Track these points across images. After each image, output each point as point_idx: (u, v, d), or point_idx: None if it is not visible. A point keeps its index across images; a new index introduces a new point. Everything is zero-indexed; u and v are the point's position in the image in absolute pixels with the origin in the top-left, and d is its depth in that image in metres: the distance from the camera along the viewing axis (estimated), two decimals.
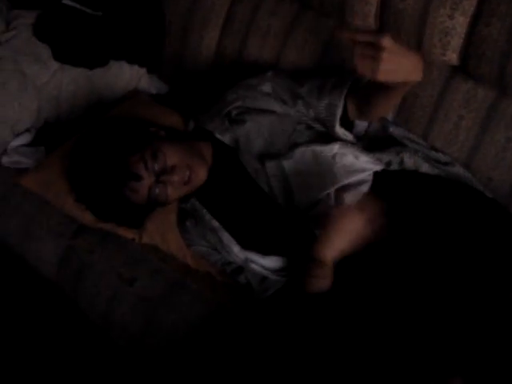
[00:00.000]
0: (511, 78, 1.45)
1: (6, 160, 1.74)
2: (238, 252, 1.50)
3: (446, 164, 1.54)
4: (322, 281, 1.29)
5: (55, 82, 1.75)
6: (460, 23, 1.46)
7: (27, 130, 1.76)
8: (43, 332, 1.83)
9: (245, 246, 1.50)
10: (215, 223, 1.52)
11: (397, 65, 1.20)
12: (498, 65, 1.45)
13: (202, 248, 1.57)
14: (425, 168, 1.49)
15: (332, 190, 1.40)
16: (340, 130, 1.47)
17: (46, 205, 1.65)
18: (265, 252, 1.48)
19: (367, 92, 1.40)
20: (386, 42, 1.15)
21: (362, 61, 1.19)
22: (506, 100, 1.50)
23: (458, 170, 1.53)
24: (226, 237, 1.51)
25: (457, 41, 1.49)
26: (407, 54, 1.21)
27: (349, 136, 1.49)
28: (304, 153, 1.45)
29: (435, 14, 1.47)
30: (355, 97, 1.46)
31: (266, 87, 1.58)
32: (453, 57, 1.52)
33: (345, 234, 1.27)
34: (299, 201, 1.42)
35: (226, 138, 1.53)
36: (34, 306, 1.83)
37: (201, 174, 1.51)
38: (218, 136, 1.54)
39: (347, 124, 1.49)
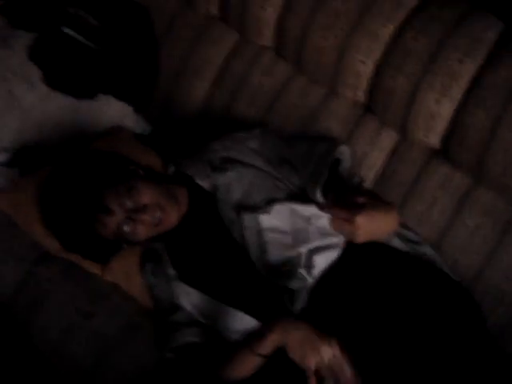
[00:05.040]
0: (488, 169, 1.51)
1: None
2: (186, 305, 1.49)
3: (415, 243, 1.57)
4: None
5: (42, 107, 1.74)
6: (446, 109, 1.52)
7: (4, 150, 1.74)
8: None
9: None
10: (171, 271, 1.51)
11: (374, 230, 1.39)
12: (478, 154, 1.51)
13: (158, 292, 1.55)
14: (396, 243, 1.51)
15: (304, 250, 1.42)
16: (320, 197, 1.49)
17: (13, 227, 1.62)
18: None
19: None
20: (360, 221, 1.35)
21: (339, 225, 1.41)
22: (480, 188, 1.56)
23: (426, 250, 1.55)
24: (181, 288, 1.49)
25: (441, 125, 1.55)
26: (382, 218, 1.40)
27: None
28: (281, 209, 1.46)
29: (424, 96, 1.53)
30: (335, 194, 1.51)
31: (254, 143, 1.60)
32: (435, 140, 1.58)
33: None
34: (271, 256, 1.43)
35: (205, 184, 1.54)
36: None
37: (172, 218, 1.50)
38: (198, 181, 1.54)
39: (327, 192, 1.52)
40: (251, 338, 1.31)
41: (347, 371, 1.21)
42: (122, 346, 1.49)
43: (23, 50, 1.74)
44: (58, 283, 1.57)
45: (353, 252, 1.44)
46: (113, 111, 1.84)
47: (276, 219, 1.46)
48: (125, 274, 1.57)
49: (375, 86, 1.62)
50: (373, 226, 1.38)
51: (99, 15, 1.84)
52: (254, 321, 1.39)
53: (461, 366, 1.32)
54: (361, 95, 1.66)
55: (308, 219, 1.46)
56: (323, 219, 1.45)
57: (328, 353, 1.21)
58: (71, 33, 1.74)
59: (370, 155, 1.66)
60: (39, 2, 1.88)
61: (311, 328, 1.26)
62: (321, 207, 1.44)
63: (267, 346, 1.27)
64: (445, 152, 1.58)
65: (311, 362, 1.21)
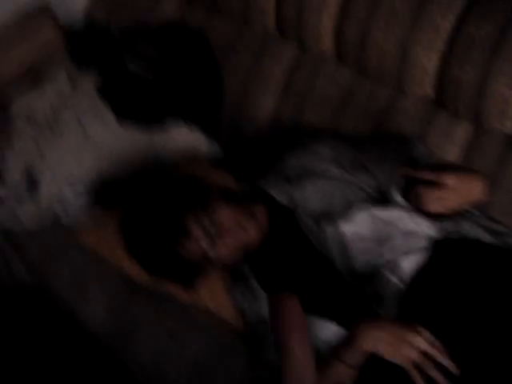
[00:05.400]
0: None
1: (65, 220, 1.77)
2: None
3: (505, 235, 1.52)
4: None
5: (116, 143, 1.79)
6: None
7: (86, 189, 1.79)
8: None
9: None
10: (261, 292, 1.51)
11: (462, 197, 1.32)
12: None
13: (251, 314, 1.56)
14: (485, 237, 1.47)
15: (390, 254, 1.39)
16: (400, 200, 1.47)
17: (100, 262, 1.66)
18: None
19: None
20: (450, 181, 1.28)
21: (428, 194, 1.32)
22: None
23: None
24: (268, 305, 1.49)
25: None
26: (470, 184, 1.33)
27: (408, 205, 1.49)
28: (362, 215, 1.44)
29: (494, 82, 1.49)
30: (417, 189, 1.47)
31: (325, 151, 1.59)
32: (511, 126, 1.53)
33: None
34: (357, 266, 1.41)
35: (283, 199, 1.54)
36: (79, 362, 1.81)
37: (254, 236, 1.50)
38: (276, 196, 1.54)
39: (407, 193, 1.50)
40: (339, 348, 1.31)
41: (444, 354, 1.18)
42: (219, 370, 1.50)
43: (92, 89, 1.80)
44: (149, 313, 1.61)
45: (441, 252, 1.40)
46: (184, 139, 1.87)
47: (358, 225, 1.44)
48: (213, 297, 1.58)
49: (443, 79, 1.59)
50: (462, 188, 1.32)
51: (160, 47, 1.88)
52: (343, 330, 1.38)
53: None
54: (429, 90, 1.63)
55: (390, 222, 1.43)
56: (408, 222, 1.42)
57: (420, 341, 1.19)
58: (135, 69, 1.78)
59: (445, 149, 1.63)
60: (101, 39, 1.95)
61: (393, 322, 1.24)
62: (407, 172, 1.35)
63: (356, 355, 1.26)
64: None
65: (409, 358, 1.19)
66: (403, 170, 1.36)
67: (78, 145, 1.77)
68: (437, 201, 1.33)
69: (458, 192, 1.31)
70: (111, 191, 1.81)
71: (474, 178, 1.36)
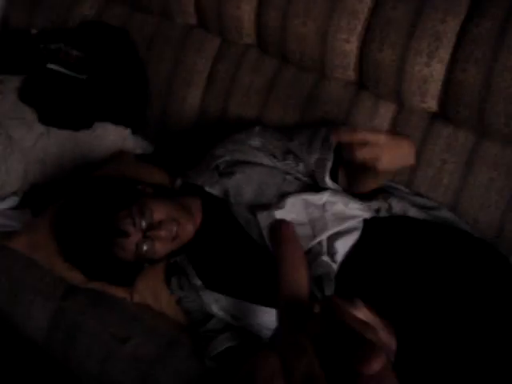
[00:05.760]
0: (489, 121, 1.50)
1: None
2: (217, 311, 1.49)
3: (431, 209, 1.56)
4: None
5: (41, 144, 1.76)
6: (437, 70, 1.51)
7: (14, 193, 1.75)
8: None
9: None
10: (197, 281, 1.51)
11: (394, 156, 1.33)
12: (477, 109, 1.50)
13: (188, 304, 1.56)
14: (412, 212, 1.51)
15: (324, 238, 1.41)
16: (329, 182, 1.49)
17: (35, 267, 1.63)
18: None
19: (355, 171, 1.45)
20: (384, 140, 1.29)
21: (361, 153, 1.30)
22: (485, 142, 1.55)
23: (444, 213, 1.55)
24: (209, 295, 1.50)
25: (435, 88, 1.54)
26: (401, 144, 1.36)
27: (337, 186, 1.51)
28: (294, 202, 1.46)
29: (412, 62, 1.52)
30: (344, 169, 1.49)
31: (255, 142, 1.60)
32: (432, 103, 1.57)
33: None
34: None
35: (215, 191, 1.54)
36: (22, 371, 1.77)
37: (189, 229, 1.50)
38: (208, 189, 1.55)
39: (335, 175, 1.52)
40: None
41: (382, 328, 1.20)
42: (163, 365, 1.49)
43: (14, 93, 1.76)
44: (88, 314, 1.58)
45: (372, 230, 1.44)
46: (111, 137, 1.85)
47: (291, 212, 1.45)
48: (152, 293, 1.57)
49: (363, 62, 1.61)
50: (396, 150, 1.34)
51: (82, 46, 1.86)
52: None
53: (502, 324, 1.31)
54: (351, 74, 1.66)
55: (323, 207, 1.45)
56: (338, 204, 1.45)
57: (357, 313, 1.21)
58: (56, 68, 1.75)
59: None
60: (21, 44, 1.90)
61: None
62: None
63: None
64: (444, 114, 1.57)
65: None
66: (337, 134, 1.32)
67: (4, 150, 1.73)
68: (370, 160, 1.32)
69: (390, 151, 1.32)
70: (41, 195, 1.78)
71: (403, 139, 1.39)
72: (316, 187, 1.50)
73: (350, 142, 1.28)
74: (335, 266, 1.39)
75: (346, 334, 0.47)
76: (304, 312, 0.53)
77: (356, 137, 1.28)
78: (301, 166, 1.54)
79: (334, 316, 0.53)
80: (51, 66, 1.74)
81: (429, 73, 1.52)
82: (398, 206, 1.51)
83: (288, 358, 0.47)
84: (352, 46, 1.61)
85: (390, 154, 1.32)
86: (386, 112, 1.64)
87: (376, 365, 0.42)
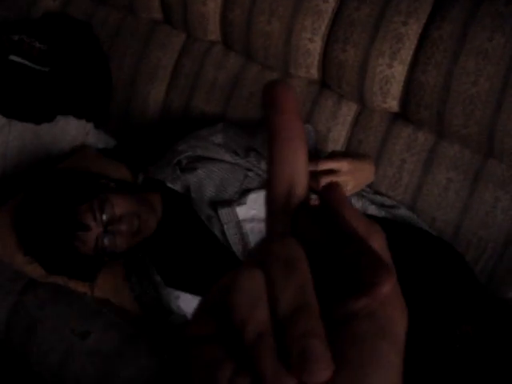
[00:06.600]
0: (449, 123, 1.53)
1: None
2: (177, 308, 1.49)
3: (390, 207, 1.59)
4: None
5: (1, 137, 1.73)
6: (399, 71, 1.54)
7: None
8: None
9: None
10: (157, 278, 1.51)
11: (358, 180, 1.38)
12: (437, 111, 1.53)
13: (147, 301, 1.56)
14: (371, 210, 1.53)
15: None
16: None
17: None
18: None
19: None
20: (348, 167, 1.32)
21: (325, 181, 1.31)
22: (444, 143, 1.58)
23: (403, 212, 1.58)
24: (169, 293, 1.50)
25: (396, 88, 1.57)
26: (363, 167, 1.40)
27: None
28: (256, 198, 1.47)
29: (375, 63, 1.55)
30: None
31: (218, 138, 1.61)
32: (393, 104, 1.60)
33: None
34: (253, 245, 1.43)
35: (177, 186, 1.54)
36: None
37: (150, 224, 1.50)
38: (169, 184, 1.55)
39: None
40: None
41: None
42: (123, 359, 1.49)
43: None
44: (48, 308, 1.56)
45: None
46: (73, 130, 1.83)
47: (253, 209, 1.47)
48: (113, 287, 1.56)
49: (327, 62, 1.63)
50: (359, 174, 1.38)
51: (45, 38, 1.83)
52: None
53: (458, 316, 1.34)
54: (314, 72, 1.67)
55: None
56: None
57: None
58: (18, 60, 1.72)
59: (333, 129, 1.68)
60: None
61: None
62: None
63: None
64: (405, 114, 1.60)
65: None
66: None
67: None
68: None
69: (354, 176, 1.36)
70: (1, 188, 1.76)
71: (365, 160, 1.42)
72: None
73: (313, 171, 1.29)
74: None
75: (351, 243, 0.36)
76: (298, 207, 0.39)
77: (320, 168, 1.31)
78: (263, 164, 1.55)
79: (333, 211, 0.39)
80: (14, 57, 1.72)
81: (390, 74, 1.55)
82: (357, 204, 1.53)
83: (273, 275, 0.36)
84: (316, 46, 1.63)
85: (355, 179, 1.36)
86: (347, 111, 1.67)
87: (390, 286, 0.35)
